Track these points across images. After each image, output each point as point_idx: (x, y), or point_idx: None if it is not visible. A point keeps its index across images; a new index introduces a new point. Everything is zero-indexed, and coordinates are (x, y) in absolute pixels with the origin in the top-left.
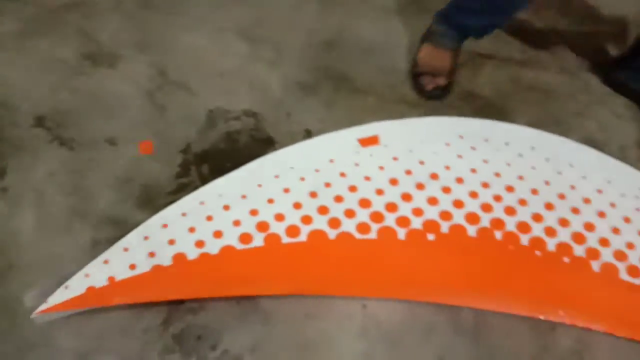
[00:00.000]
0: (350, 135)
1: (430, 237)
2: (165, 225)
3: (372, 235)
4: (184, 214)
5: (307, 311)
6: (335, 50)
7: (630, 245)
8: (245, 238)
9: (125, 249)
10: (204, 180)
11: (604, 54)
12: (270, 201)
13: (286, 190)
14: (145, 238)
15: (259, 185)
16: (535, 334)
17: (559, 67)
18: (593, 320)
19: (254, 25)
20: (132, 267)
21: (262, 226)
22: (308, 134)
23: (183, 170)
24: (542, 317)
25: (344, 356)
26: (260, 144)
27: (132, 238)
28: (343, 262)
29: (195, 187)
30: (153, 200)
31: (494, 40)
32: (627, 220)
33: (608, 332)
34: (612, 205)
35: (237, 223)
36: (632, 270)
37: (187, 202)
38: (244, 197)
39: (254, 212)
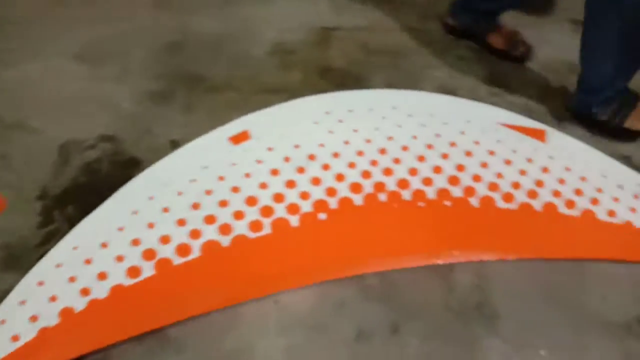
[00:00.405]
0: (219, 136)
1: (322, 216)
2: (41, 283)
3: (267, 230)
4: (59, 265)
5: (220, 325)
6: (181, 51)
7: (499, 175)
8: (133, 272)
9: (2, 322)
10: (72, 222)
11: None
12: (151, 225)
13: (165, 210)
14: (22, 302)
15: (135, 212)
16: (437, 279)
17: (402, 26)
18: (484, 252)
19: (91, 45)
20: (15, 338)
21: (149, 254)
22: (174, 145)
23: (45, 217)
24: (439, 262)
25: (270, 357)
26: (124, 168)
27: (6, 307)
28: (244, 266)
29: (64, 233)
30: (20, 258)
31: (338, 11)
32: (491, 153)
33: (500, 258)
34: (476, 142)
35: (120, 258)
36: (507, 197)
37: (59, 251)
38: (120, 229)
39: (135, 242)
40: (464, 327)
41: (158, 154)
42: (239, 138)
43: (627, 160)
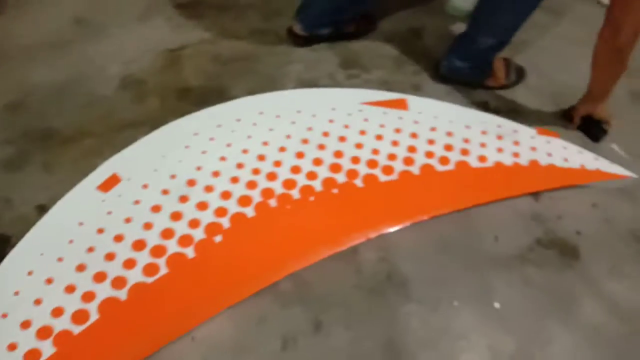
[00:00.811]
0: (87, 187)
1: (218, 238)
2: None
3: (163, 270)
4: None
5: None
6: (25, 108)
7: (375, 152)
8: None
9: None
10: None
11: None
12: (38, 302)
13: (49, 281)
14: None
15: (16, 293)
16: (345, 265)
17: (249, 30)
18: (379, 226)
19: None
20: None
21: (44, 332)
22: (42, 210)
23: None
24: (343, 248)
25: None
26: None
27: None
28: (149, 314)
29: None
30: None
31: (179, 30)
32: (363, 133)
33: (395, 227)
34: (346, 126)
35: (12, 346)
36: (387, 170)
37: None
38: (4, 315)
39: (26, 324)
40: (380, 301)
41: (27, 225)
42: (109, 184)
43: (484, 105)
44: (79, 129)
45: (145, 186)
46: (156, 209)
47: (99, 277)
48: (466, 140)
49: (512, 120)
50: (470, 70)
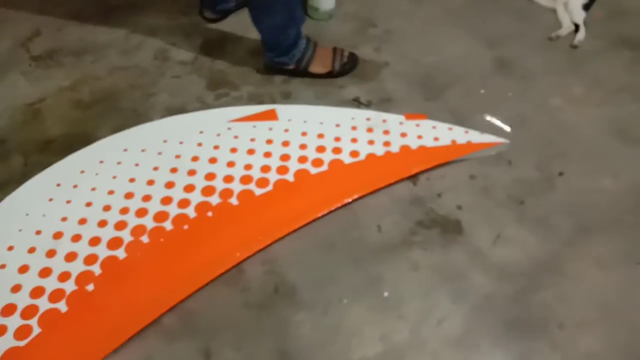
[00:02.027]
0: None
1: (90, 287)
2: None
3: (36, 331)
4: None
5: None
6: None
7: (248, 167)
8: None
9: None
10: None
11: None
12: None
13: None
14: None
15: None
16: (230, 287)
17: (107, 69)
18: (260, 240)
19: None
20: None
21: None
22: None
23: None
24: (225, 269)
25: None
26: None
27: None
28: None
29: None
30: None
31: (35, 82)
32: (234, 150)
33: (279, 235)
34: (216, 147)
35: None
36: (262, 183)
37: None
38: None
39: None
40: (269, 315)
41: None
42: None
43: (356, 101)
44: None
45: (10, 248)
46: (23, 269)
47: None
48: (337, 139)
49: (384, 110)
50: (278, 57)
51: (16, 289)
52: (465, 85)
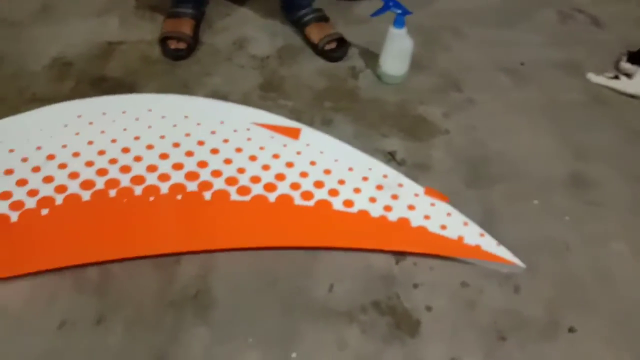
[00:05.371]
0: None
1: (44, 211)
2: None
3: None
4: None
5: None
6: None
7: (241, 170)
8: None
9: None
10: None
11: None
12: None
13: None
14: None
15: None
16: (159, 272)
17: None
18: (209, 242)
19: None
20: None
21: None
22: None
23: None
24: (166, 252)
25: None
26: None
27: None
28: None
29: None
30: None
31: (127, 28)
32: (238, 150)
33: (227, 248)
34: (225, 141)
35: None
36: (243, 190)
37: None
38: None
39: None
40: (175, 316)
41: None
42: None
43: (391, 155)
44: None
45: (11, 151)
46: (8, 172)
47: None
48: (341, 182)
49: (414, 175)
50: None
51: None
52: (519, 187)
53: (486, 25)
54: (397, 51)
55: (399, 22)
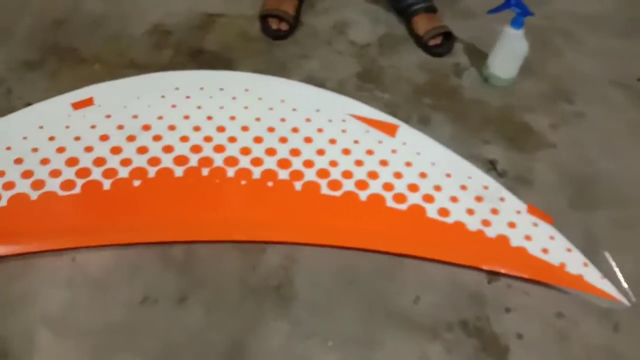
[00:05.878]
0: (63, 100)
1: (136, 183)
2: None
3: (77, 190)
4: None
5: (12, 270)
6: (64, 27)
7: (333, 163)
8: None
9: None
10: None
11: None
12: None
13: None
14: None
15: None
16: (244, 258)
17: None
18: (297, 235)
19: None
20: None
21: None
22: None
23: None
24: (250, 240)
25: (48, 307)
26: None
27: None
28: (47, 219)
29: None
30: None
31: (229, 2)
32: (332, 141)
33: (314, 243)
34: (319, 130)
35: None
36: (334, 185)
37: None
38: None
39: None
40: (256, 304)
41: (10, 112)
42: (82, 104)
43: (490, 163)
44: (94, 55)
45: (108, 116)
46: (104, 137)
47: (26, 174)
48: (437, 188)
49: (514, 189)
50: None
51: (88, 149)
52: (628, 214)
53: (603, 33)
54: (510, 53)
55: (517, 23)
